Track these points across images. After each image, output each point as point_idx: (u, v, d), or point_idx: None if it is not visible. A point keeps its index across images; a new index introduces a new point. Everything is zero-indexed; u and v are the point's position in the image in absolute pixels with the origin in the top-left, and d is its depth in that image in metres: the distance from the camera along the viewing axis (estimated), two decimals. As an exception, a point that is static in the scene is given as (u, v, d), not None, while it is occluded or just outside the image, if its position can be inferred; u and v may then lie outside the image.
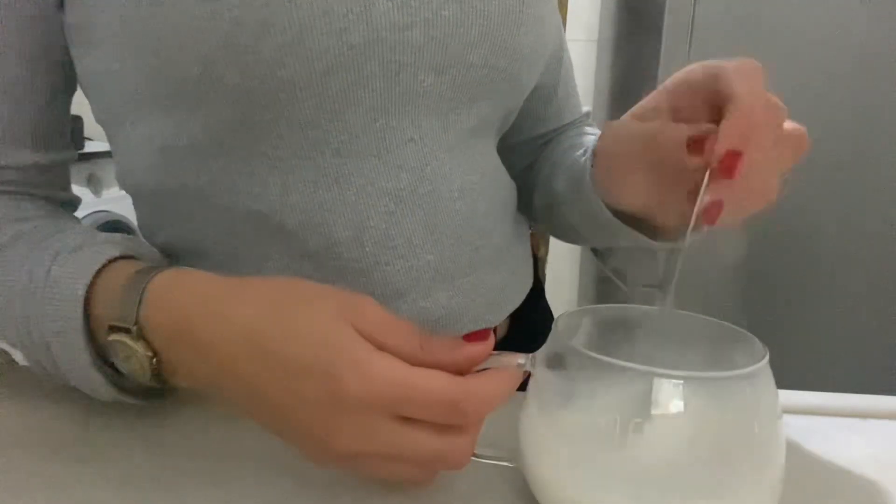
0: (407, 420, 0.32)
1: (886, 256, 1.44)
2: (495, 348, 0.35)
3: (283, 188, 0.45)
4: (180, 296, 0.37)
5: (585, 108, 0.69)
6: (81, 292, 0.39)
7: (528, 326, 0.60)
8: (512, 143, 0.64)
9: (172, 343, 0.37)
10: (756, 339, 0.35)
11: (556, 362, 0.35)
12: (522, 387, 0.37)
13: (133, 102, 0.45)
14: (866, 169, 1.41)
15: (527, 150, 0.65)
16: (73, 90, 0.50)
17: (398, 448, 0.32)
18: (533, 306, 0.61)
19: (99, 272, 0.40)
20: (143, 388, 0.41)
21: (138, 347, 0.37)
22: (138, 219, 0.54)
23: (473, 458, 0.37)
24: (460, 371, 0.34)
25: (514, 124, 0.59)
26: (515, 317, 0.58)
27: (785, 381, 0.38)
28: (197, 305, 0.36)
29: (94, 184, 1.64)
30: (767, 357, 0.33)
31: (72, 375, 0.41)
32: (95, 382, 0.40)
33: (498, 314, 0.54)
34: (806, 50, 1.37)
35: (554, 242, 2.10)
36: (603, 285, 1.82)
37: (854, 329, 1.46)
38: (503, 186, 0.56)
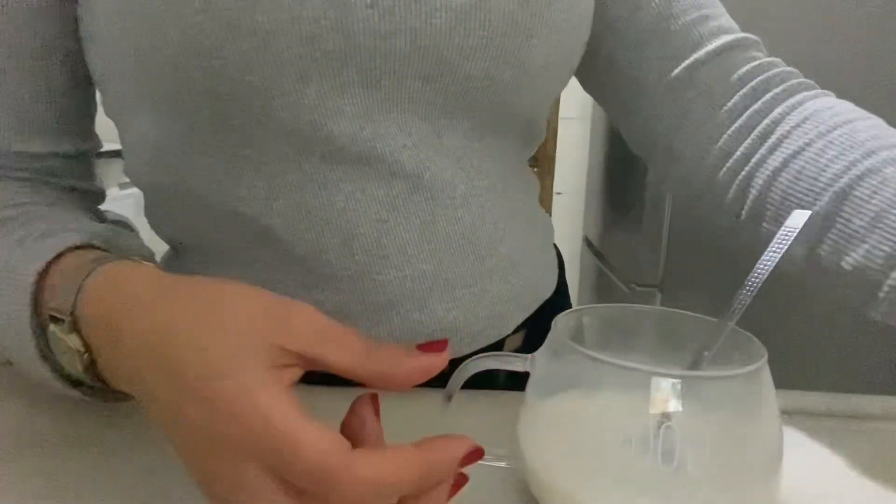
0: (278, 477, 0.27)
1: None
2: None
3: (269, 192, 0.44)
4: (114, 289, 0.35)
5: (735, 35, 0.52)
6: (31, 279, 0.37)
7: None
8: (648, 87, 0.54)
9: (98, 337, 0.35)
10: (755, 339, 0.35)
11: (555, 362, 0.35)
12: (521, 387, 0.37)
13: (127, 98, 0.45)
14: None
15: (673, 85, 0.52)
16: (93, 83, 0.50)
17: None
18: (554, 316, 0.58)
19: (57, 259, 0.38)
20: (96, 386, 0.38)
21: (70, 341, 0.35)
22: (146, 211, 0.54)
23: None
24: (409, 383, 0.31)
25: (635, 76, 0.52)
26: (534, 330, 0.55)
27: (785, 381, 0.38)
28: (125, 300, 0.33)
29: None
30: (766, 357, 0.33)
31: (22, 366, 0.39)
32: (43, 375, 0.39)
33: (503, 328, 0.51)
34: (805, 49, 1.37)
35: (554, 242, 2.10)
36: (603, 285, 1.82)
37: (854, 329, 1.46)
38: (519, 190, 0.52)
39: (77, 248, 0.39)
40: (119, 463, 0.40)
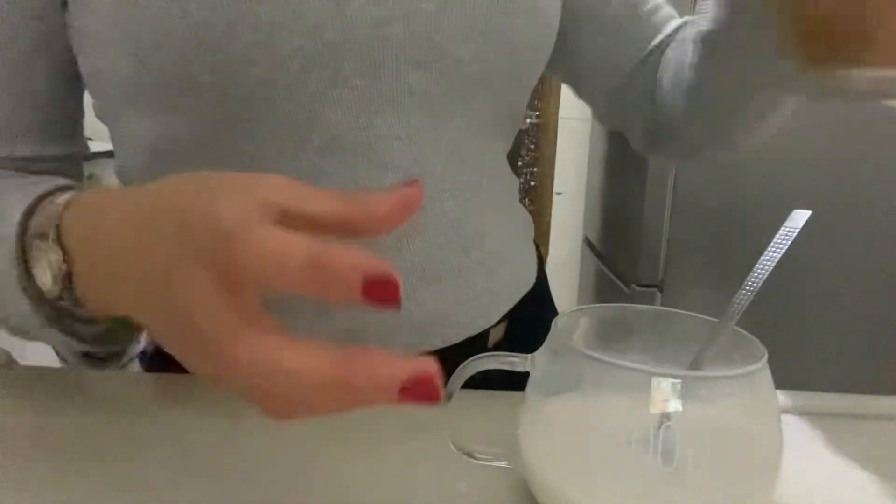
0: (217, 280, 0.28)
1: (886, 256, 1.44)
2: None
3: None
4: (101, 194, 0.37)
5: (682, 19, 0.61)
6: (20, 210, 0.38)
7: (530, 330, 0.58)
8: (616, 85, 0.61)
9: (79, 231, 0.36)
10: (755, 339, 0.35)
11: (556, 362, 0.35)
12: (521, 386, 0.37)
13: (122, 102, 0.45)
14: (866, 168, 1.41)
15: (633, 79, 0.60)
16: (80, 87, 0.50)
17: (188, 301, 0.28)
18: (535, 308, 0.60)
19: (43, 198, 0.39)
20: (70, 319, 0.39)
21: (52, 253, 0.36)
22: None
23: (472, 459, 0.37)
24: (391, 217, 0.32)
25: (598, 68, 0.59)
26: (515, 321, 0.57)
27: (785, 381, 0.38)
28: (112, 195, 0.35)
29: (94, 184, 1.65)
30: (766, 357, 0.33)
31: (4, 304, 0.40)
32: (22, 306, 0.39)
33: (488, 318, 0.53)
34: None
35: (554, 242, 2.10)
36: (603, 285, 1.82)
37: (854, 329, 1.46)
38: (503, 188, 0.55)
39: (62, 188, 0.41)
40: (118, 462, 0.40)
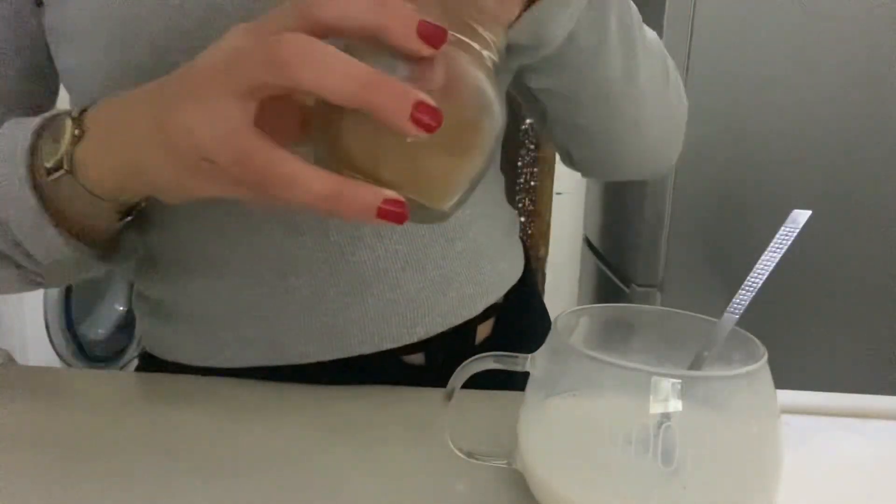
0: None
1: (886, 256, 1.44)
2: (479, 350, 0.34)
3: None
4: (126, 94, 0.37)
5: None
6: (34, 126, 0.38)
7: (518, 327, 0.58)
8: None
9: (102, 108, 0.37)
10: (755, 339, 0.35)
11: (556, 362, 0.35)
12: (521, 386, 0.37)
13: (101, 95, 0.45)
14: (866, 167, 1.41)
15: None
16: (54, 86, 0.50)
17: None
18: (522, 305, 0.60)
19: (53, 118, 0.39)
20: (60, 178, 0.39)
21: (68, 127, 0.37)
22: None
23: (473, 460, 0.37)
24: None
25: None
26: (503, 319, 0.57)
27: (785, 381, 0.38)
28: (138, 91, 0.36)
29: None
30: (766, 357, 0.33)
31: (3, 204, 0.39)
32: (27, 205, 0.38)
33: (472, 308, 0.53)
34: (806, 48, 1.37)
35: (554, 242, 2.10)
36: (603, 285, 1.82)
37: (854, 329, 1.46)
38: (489, 182, 0.55)
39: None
40: (118, 462, 0.40)
